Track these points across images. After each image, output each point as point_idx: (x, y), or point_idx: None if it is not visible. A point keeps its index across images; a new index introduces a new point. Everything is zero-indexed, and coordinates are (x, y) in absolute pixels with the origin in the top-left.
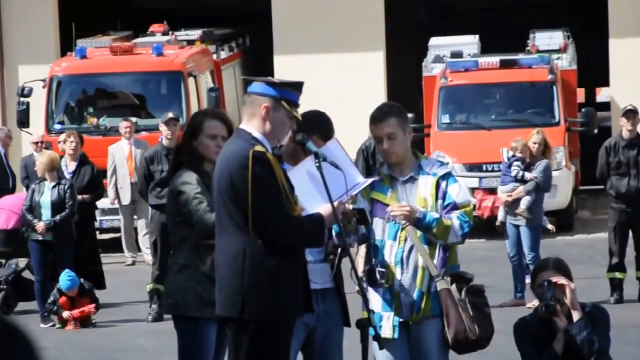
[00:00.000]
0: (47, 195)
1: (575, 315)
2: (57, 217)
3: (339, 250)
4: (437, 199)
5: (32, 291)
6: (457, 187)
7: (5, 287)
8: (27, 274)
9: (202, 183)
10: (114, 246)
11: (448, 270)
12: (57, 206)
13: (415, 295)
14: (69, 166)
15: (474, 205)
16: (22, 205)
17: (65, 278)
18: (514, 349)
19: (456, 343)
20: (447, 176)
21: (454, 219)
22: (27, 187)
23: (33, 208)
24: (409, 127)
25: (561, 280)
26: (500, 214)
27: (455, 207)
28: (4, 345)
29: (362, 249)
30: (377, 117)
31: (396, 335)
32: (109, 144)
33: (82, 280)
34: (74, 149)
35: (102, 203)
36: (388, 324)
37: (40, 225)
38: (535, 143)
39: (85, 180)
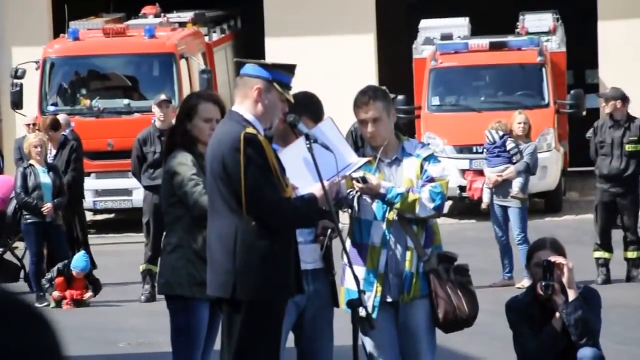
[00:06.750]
0: (44, 177)
1: (571, 295)
2: (56, 201)
3: (329, 231)
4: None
5: (15, 274)
6: (438, 166)
7: None
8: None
9: (197, 164)
10: (108, 227)
11: (433, 250)
12: (54, 189)
13: (404, 275)
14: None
15: (465, 187)
16: (10, 187)
17: (83, 259)
18: (504, 329)
19: (445, 322)
20: (430, 157)
21: (424, 192)
22: None
23: (32, 190)
24: (393, 109)
25: (559, 259)
26: (486, 196)
27: (431, 180)
28: (29, 328)
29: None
30: (363, 101)
31: (374, 315)
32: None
33: None
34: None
35: (98, 184)
36: (369, 304)
37: (48, 206)
38: (520, 123)
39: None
